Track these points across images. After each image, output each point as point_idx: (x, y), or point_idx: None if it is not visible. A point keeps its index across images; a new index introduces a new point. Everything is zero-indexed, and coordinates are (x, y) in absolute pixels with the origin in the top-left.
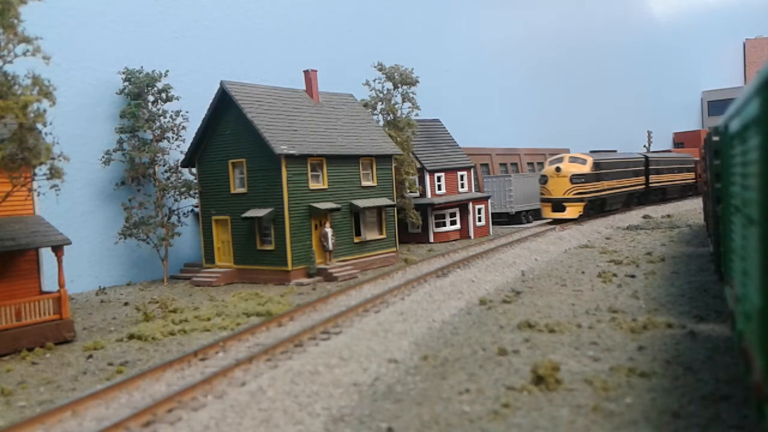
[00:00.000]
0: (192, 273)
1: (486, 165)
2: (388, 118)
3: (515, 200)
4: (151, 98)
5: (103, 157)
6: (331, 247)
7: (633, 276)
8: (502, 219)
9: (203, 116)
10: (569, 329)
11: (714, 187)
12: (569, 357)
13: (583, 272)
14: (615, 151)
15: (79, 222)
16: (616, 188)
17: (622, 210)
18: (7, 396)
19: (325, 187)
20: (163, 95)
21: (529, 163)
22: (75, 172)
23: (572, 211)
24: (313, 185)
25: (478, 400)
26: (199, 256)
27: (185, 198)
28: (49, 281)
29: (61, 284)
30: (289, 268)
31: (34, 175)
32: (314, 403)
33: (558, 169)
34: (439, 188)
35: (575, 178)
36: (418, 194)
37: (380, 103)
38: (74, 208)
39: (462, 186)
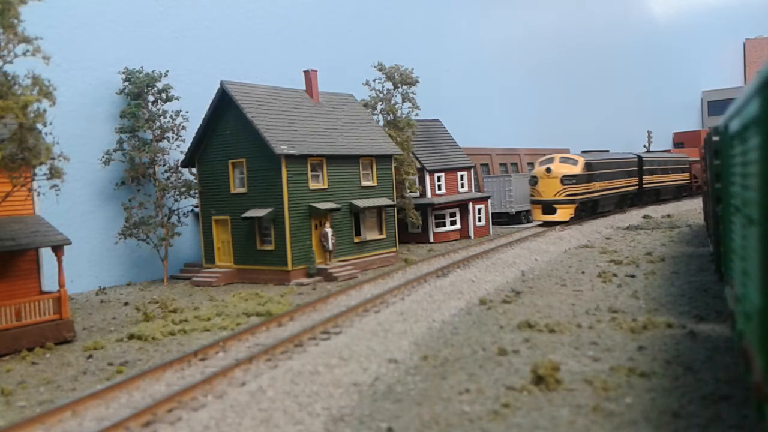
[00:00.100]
0: (192, 273)
1: (486, 165)
2: (388, 118)
3: (515, 200)
4: (151, 98)
5: (103, 157)
6: (331, 247)
7: (633, 276)
8: (502, 219)
9: (203, 116)
10: (569, 329)
11: (714, 187)
12: (569, 357)
13: (583, 272)
14: (607, 151)
15: (79, 222)
16: (609, 189)
17: (615, 212)
18: (7, 396)
19: (325, 187)
20: (163, 95)
21: (529, 163)
22: (75, 172)
23: (563, 214)
24: (313, 185)
25: (478, 400)
26: (199, 256)
27: (185, 198)
28: (49, 281)
29: (61, 284)
30: (289, 268)
31: (34, 175)
32: (314, 403)
33: (548, 170)
34: (439, 188)
35: (566, 179)
36: (418, 194)
37: (380, 103)
38: (74, 208)
39: (462, 186)
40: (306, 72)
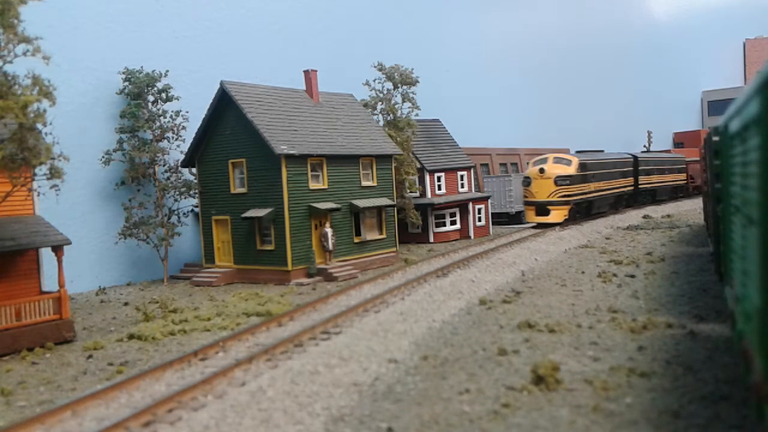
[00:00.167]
0: (192, 273)
1: (486, 165)
2: (388, 118)
3: (515, 200)
4: (151, 98)
5: (103, 157)
6: (331, 247)
7: (633, 276)
8: (502, 219)
9: (203, 116)
10: (569, 329)
11: (714, 187)
12: (569, 357)
13: (583, 272)
14: (602, 151)
15: (79, 222)
16: (604, 190)
17: (611, 212)
18: (7, 396)
19: (325, 187)
20: (163, 95)
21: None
22: (75, 172)
23: (557, 215)
24: (313, 185)
25: (478, 400)
26: (199, 256)
27: (185, 198)
28: (49, 281)
29: (61, 284)
30: (289, 268)
31: (34, 175)
32: (314, 403)
33: (542, 171)
34: (439, 188)
35: (560, 180)
36: (418, 194)
37: (380, 103)
38: (74, 208)
39: (462, 186)
40: (306, 72)
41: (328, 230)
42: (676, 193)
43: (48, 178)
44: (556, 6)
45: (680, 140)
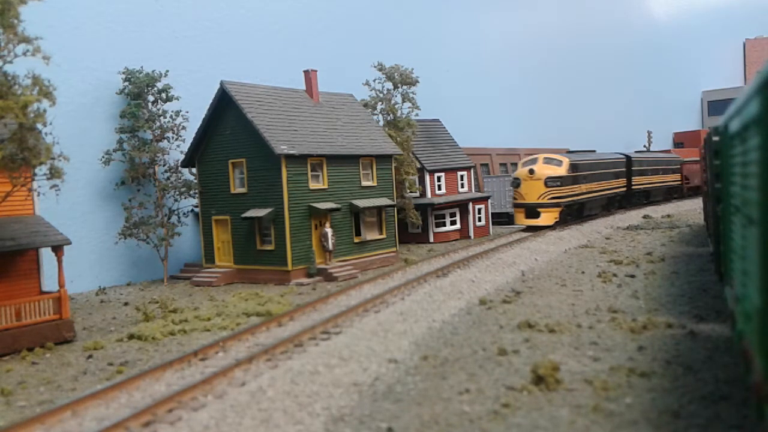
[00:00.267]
0: (192, 273)
1: (486, 165)
2: (388, 118)
3: None
4: (151, 98)
5: (103, 157)
6: (331, 247)
7: (633, 276)
8: (502, 219)
9: (203, 116)
10: (569, 329)
11: (714, 187)
12: (569, 357)
13: (583, 272)
14: (594, 151)
15: (79, 222)
16: (596, 191)
17: (602, 215)
18: (7, 396)
19: (325, 187)
20: (163, 95)
21: None
22: (75, 172)
23: (547, 218)
24: (313, 185)
25: (478, 400)
26: (199, 256)
27: (185, 198)
28: (49, 281)
29: (61, 284)
30: (289, 268)
31: (34, 175)
32: (314, 403)
33: (531, 172)
34: (439, 188)
35: (550, 181)
36: (418, 194)
37: (380, 103)
38: (74, 208)
39: (462, 186)
40: (306, 72)
41: (328, 230)
42: (671, 194)
43: (48, 178)
44: (556, 6)
45: (680, 140)
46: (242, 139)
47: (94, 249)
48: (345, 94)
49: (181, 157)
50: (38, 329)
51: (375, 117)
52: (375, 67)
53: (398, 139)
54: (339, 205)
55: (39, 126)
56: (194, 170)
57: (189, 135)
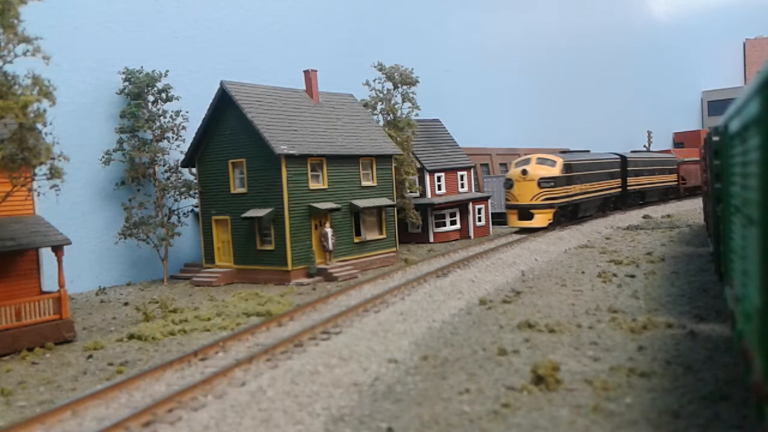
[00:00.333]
0: (192, 273)
1: (486, 165)
2: (388, 118)
3: None
4: (151, 98)
5: (103, 157)
6: (331, 247)
7: (633, 276)
8: (502, 219)
9: (203, 116)
10: (569, 329)
11: (714, 187)
12: (569, 357)
13: (583, 272)
14: (588, 151)
15: (79, 222)
16: (590, 192)
17: (597, 216)
18: (7, 396)
19: (325, 187)
20: (163, 95)
21: None
22: (75, 172)
23: (541, 219)
24: (313, 185)
25: (478, 400)
26: (199, 256)
27: (185, 198)
28: (49, 281)
29: (61, 284)
30: (289, 268)
31: (34, 175)
32: (314, 403)
33: (524, 172)
34: (439, 188)
35: (544, 182)
36: (418, 194)
37: (380, 103)
38: (74, 208)
39: (462, 186)
40: (306, 72)
41: (328, 230)
42: (667, 195)
43: (48, 178)
44: (556, 6)
45: (680, 140)
46: (242, 139)
47: (94, 249)
48: (345, 94)
49: (181, 157)
50: (38, 329)
51: (375, 117)
52: (375, 67)
53: (398, 139)
54: (339, 205)
55: (39, 126)
56: (194, 170)
57: (189, 135)
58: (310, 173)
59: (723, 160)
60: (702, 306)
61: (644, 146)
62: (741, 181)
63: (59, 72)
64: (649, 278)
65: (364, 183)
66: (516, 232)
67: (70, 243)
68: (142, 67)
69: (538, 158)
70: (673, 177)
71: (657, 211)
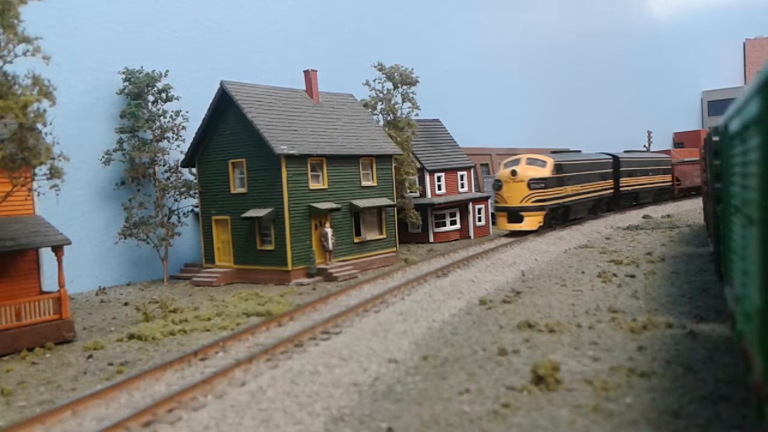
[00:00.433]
0: (192, 273)
1: (486, 165)
2: (388, 118)
3: None
4: (151, 98)
5: (103, 157)
6: (331, 247)
7: (633, 276)
8: None
9: (203, 116)
10: (569, 329)
11: (714, 187)
12: (569, 357)
13: (583, 272)
14: (579, 151)
15: (79, 222)
16: (582, 194)
17: (589, 218)
18: (7, 396)
19: (325, 187)
20: (163, 95)
21: None
22: (75, 172)
23: (531, 222)
24: (313, 185)
25: (478, 400)
26: (199, 256)
27: (185, 198)
28: (49, 281)
29: (61, 284)
30: (289, 268)
31: (34, 175)
32: (314, 403)
33: (514, 173)
34: (439, 188)
35: (534, 183)
36: (418, 194)
37: (380, 103)
38: (74, 208)
39: (462, 186)
40: (306, 72)
41: (328, 230)
42: (661, 196)
43: (48, 178)
44: (556, 6)
45: (680, 140)
46: (242, 139)
47: (94, 249)
48: (345, 94)
49: (181, 157)
50: (38, 329)
51: (375, 117)
52: (375, 67)
53: (398, 139)
54: (339, 205)
55: (39, 126)
56: (194, 170)
57: (189, 135)
58: (310, 173)
59: (723, 160)
60: (702, 306)
61: (644, 146)
62: (741, 181)
63: (59, 72)
64: (649, 278)
65: (364, 183)
66: (506, 235)
67: (70, 243)
68: (142, 67)
69: (528, 158)
70: (668, 178)
71: (657, 211)
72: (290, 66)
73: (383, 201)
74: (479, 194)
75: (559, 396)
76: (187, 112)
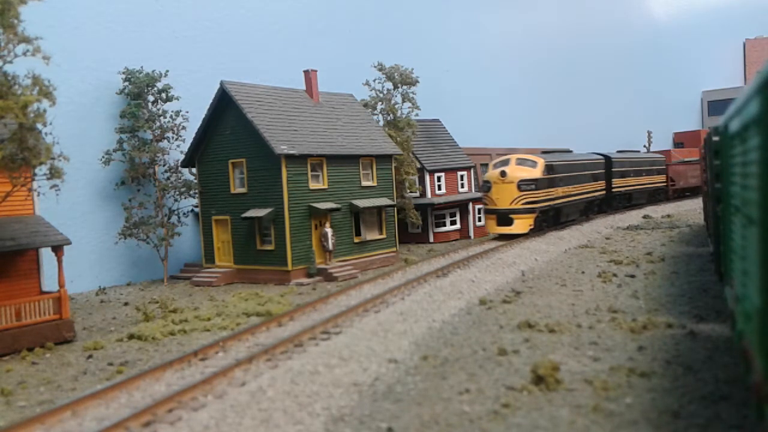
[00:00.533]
0: (192, 273)
1: (486, 165)
2: (388, 118)
3: None
4: (151, 98)
5: (103, 157)
6: (331, 247)
7: (633, 276)
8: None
9: (203, 116)
10: (569, 329)
11: (714, 187)
12: (569, 357)
13: (583, 272)
14: (570, 150)
15: (79, 222)
16: (573, 195)
17: (581, 221)
18: (7, 396)
19: (325, 187)
20: (163, 95)
21: None
22: (75, 172)
23: (521, 225)
24: (313, 185)
25: (478, 400)
26: (199, 256)
27: (185, 198)
28: (49, 281)
29: (61, 284)
30: (289, 268)
31: (34, 175)
32: (314, 403)
33: (503, 174)
34: (439, 188)
35: (524, 185)
36: (418, 194)
37: (380, 103)
38: (74, 208)
39: (462, 186)
40: (306, 72)
41: (328, 230)
42: (655, 197)
43: (48, 178)
44: (556, 6)
45: (680, 140)
46: (242, 139)
47: (94, 249)
48: (345, 94)
49: (181, 157)
50: (38, 329)
51: (375, 117)
52: (375, 67)
53: (398, 139)
54: (339, 205)
55: (39, 126)
56: (194, 170)
57: (189, 135)
58: (310, 173)
59: (723, 160)
60: (702, 306)
61: (644, 146)
62: (741, 181)
63: (59, 72)
64: (649, 278)
65: (364, 183)
66: (495, 239)
67: (70, 243)
68: (142, 67)
69: (518, 159)
70: (662, 178)
71: (657, 211)
72: (290, 66)
73: (383, 201)
74: (479, 194)
75: (559, 396)
76: (187, 112)
